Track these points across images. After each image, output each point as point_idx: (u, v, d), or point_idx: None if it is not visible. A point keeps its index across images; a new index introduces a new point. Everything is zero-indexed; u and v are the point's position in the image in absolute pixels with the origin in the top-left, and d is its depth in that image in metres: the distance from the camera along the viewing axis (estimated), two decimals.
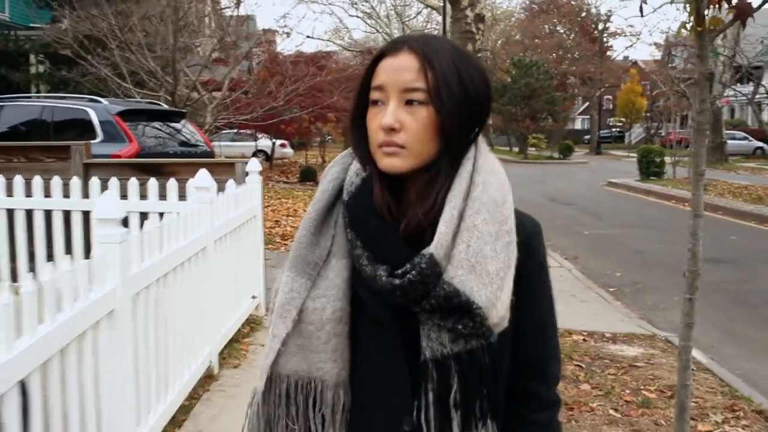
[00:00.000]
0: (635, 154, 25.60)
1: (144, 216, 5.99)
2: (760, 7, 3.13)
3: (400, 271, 1.18)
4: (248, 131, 25.55)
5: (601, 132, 53.37)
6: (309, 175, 20.55)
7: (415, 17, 42.15)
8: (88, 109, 8.49)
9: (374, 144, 1.24)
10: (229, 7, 18.33)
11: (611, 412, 4.32)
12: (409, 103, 1.22)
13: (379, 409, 1.29)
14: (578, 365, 5.20)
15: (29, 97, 10.78)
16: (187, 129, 9.58)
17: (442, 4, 18.30)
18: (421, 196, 1.24)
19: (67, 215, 6.41)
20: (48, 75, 20.60)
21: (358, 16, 41.00)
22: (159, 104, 10.57)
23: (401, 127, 1.21)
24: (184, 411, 4.00)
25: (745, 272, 9.38)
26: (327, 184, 1.33)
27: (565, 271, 8.99)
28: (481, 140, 1.30)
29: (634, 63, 57.22)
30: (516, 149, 43.61)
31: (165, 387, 3.65)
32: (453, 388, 1.21)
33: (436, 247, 1.17)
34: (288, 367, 1.29)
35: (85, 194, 6.42)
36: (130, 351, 3.08)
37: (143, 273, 3.23)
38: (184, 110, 11.03)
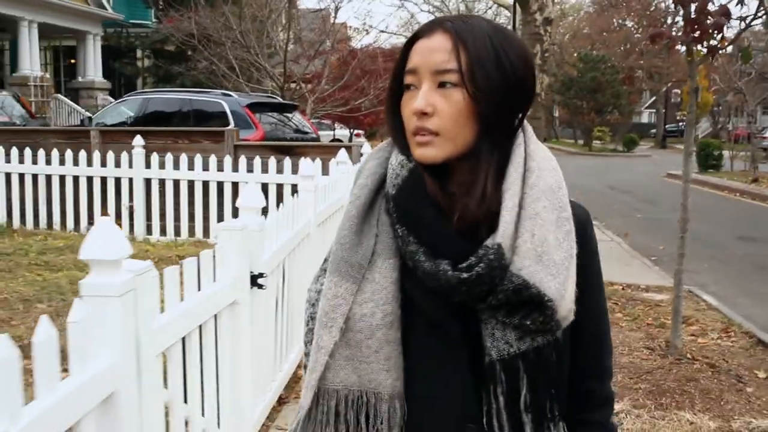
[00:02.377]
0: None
1: (279, 187, 7.88)
2: (732, 42, 4.71)
3: (465, 265, 1.10)
4: (327, 121, 27.48)
5: (668, 126, 53.77)
6: None
7: (484, 12, 43.44)
8: (222, 102, 10.45)
9: (409, 132, 1.17)
10: (319, 10, 20.13)
11: (634, 327, 5.96)
12: (442, 85, 1.14)
13: (440, 418, 1.20)
14: (615, 303, 6.83)
15: (171, 91, 12.79)
16: (297, 118, 11.48)
17: (512, 2, 19.74)
18: (466, 186, 1.16)
19: (219, 185, 8.33)
20: (154, 68, 22.81)
21: (429, 11, 42.15)
22: (276, 97, 12.54)
23: (434, 112, 1.13)
24: None
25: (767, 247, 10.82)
26: (365, 179, 1.23)
27: (615, 244, 10.55)
28: (528, 127, 1.22)
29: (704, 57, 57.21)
30: (581, 142, 44.65)
31: (291, 343, 4.46)
32: (522, 389, 1.14)
33: (503, 237, 1.09)
34: (336, 381, 1.18)
35: (235, 168, 8.33)
36: (273, 306, 3.82)
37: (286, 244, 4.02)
38: (295, 103, 12.97)
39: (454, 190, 1.17)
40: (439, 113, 1.13)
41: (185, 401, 2.62)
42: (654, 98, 58.00)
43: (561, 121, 52.75)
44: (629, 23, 52.79)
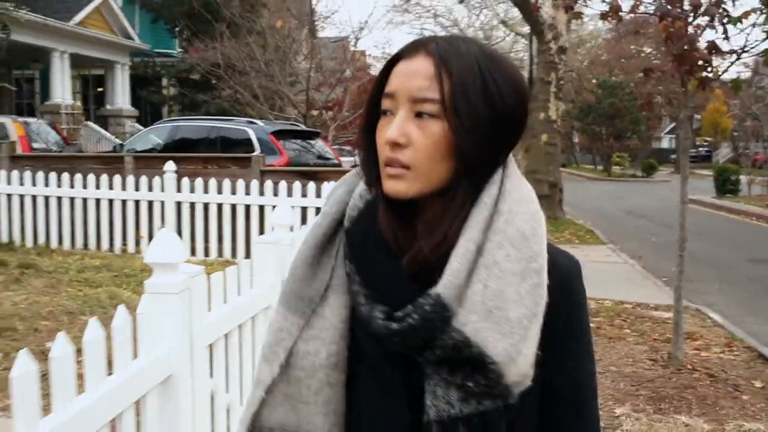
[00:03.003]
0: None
1: (304, 210, 8.29)
2: (722, 74, 5.07)
3: (400, 314, 0.99)
4: (347, 148, 28.03)
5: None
6: None
7: (502, 40, 44.01)
8: (248, 129, 10.93)
9: (381, 162, 1.05)
10: (340, 39, 20.70)
11: (640, 341, 6.28)
12: (420, 115, 1.02)
13: None
14: (624, 320, 7.14)
15: (198, 119, 13.31)
16: (320, 144, 11.93)
17: (528, 32, 20.21)
18: (431, 226, 1.04)
19: (247, 208, 8.76)
20: (180, 96, 23.48)
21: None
22: (299, 125, 13.02)
23: (408, 143, 1.01)
24: None
25: None
26: (330, 207, 1.13)
27: (629, 266, 10.85)
28: (511, 161, 1.10)
29: (723, 83, 57.41)
30: (600, 167, 44.86)
31: None
32: None
33: (445, 287, 0.97)
34: (272, 419, 1.09)
35: (261, 193, 8.76)
36: None
37: None
38: (318, 130, 13.45)
39: (419, 228, 1.05)
40: (414, 145, 1.02)
41: (227, 391, 3.00)
42: (673, 124, 58.17)
43: (581, 147, 53.00)
44: (647, 49, 53.18)
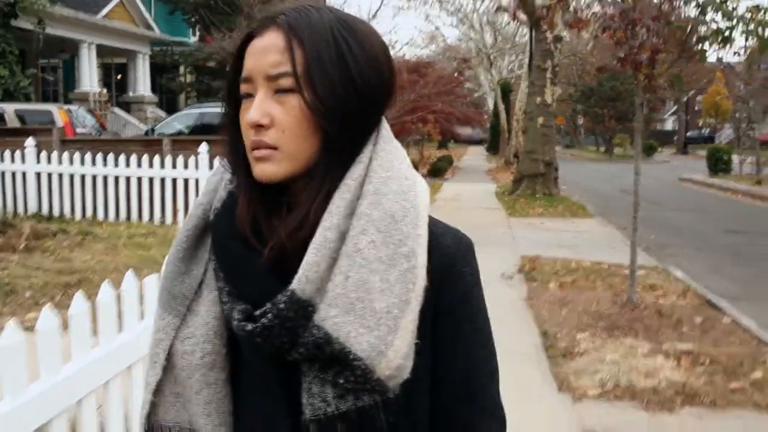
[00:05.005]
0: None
1: None
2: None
3: (258, 313, 0.94)
4: None
5: (690, 133, 54.85)
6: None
7: (507, 25, 44.89)
8: None
9: (247, 147, 1.00)
10: None
11: (607, 289, 7.48)
12: (278, 92, 0.97)
13: None
14: (598, 275, 8.33)
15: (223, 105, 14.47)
16: None
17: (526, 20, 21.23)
18: (292, 211, 0.99)
19: None
20: (197, 83, 24.69)
21: (452, 25, 43.69)
22: None
23: (271, 123, 0.96)
24: None
25: (750, 239, 12.24)
26: (202, 197, 1.07)
27: (613, 236, 12.01)
28: (384, 136, 1.03)
29: (727, 65, 58.24)
30: (603, 149, 45.97)
31: None
32: None
33: (300, 281, 0.92)
34: (168, 417, 1.07)
35: None
36: None
37: None
38: None
39: (283, 215, 1.00)
40: (278, 124, 0.97)
41: None
42: (676, 107, 59.09)
43: (585, 129, 54.09)
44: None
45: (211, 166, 10.10)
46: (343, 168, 0.98)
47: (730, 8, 5.76)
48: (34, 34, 17.41)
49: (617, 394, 4.60)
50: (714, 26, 5.40)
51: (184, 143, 10.89)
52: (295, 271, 0.93)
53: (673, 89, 51.26)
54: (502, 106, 37.56)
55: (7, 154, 10.66)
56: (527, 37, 24.16)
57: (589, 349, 5.46)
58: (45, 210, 10.56)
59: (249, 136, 0.98)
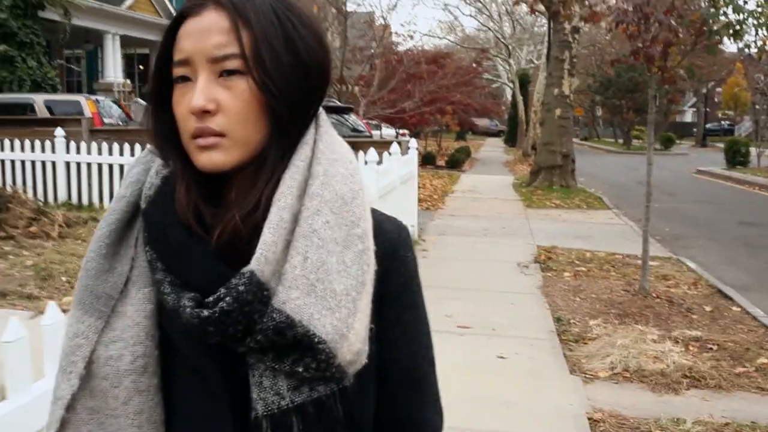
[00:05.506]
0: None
1: None
2: None
3: (211, 299, 0.88)
4: (375, 122, 29.47)
5: (710, 125, 54.62)
6: (429, 159, 24.16)
7: (526, 14, 44.86)
8: None
9: (186, 135, 0.94)
10: (370, 13, 21.99)
11: (620, 279, 7.70)
12: (224, 74, 0.92)
13: None
14: (612, 266, 8.54)
15: None
16: (353, 118, 13.40)
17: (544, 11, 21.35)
18: (242, 196, 0.94)
19: None
20: None
21: (470, 15, 43.74)
22: (333, 101, 14.50)
23: (217, 108, 0.91)
24: None
25: (764, 230, 12.40)
26: (125, 189, 0.99)
27: (628, 227, 12.20)
28: (324, 119, 1.02)
29: (747, 56, 57.91)
30: (621, 141, 45.92)
31: None
32: None
33: (258, 262, 0.88)
34: None
35: None
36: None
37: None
38: (351, 105, 14.93)
39: (233, 198, 0.95)
40: (225, 110, 0.91)
41: None
42: (695, 99, 58.81)
43: (603, 120, 53.98)
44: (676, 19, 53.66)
45: None
46: (291, 150, 0.95)
47: (740, 2, 5.94)
48: (60, 25, 17.75)
49: (626, 376, 4.85)
50: (724, 20, 5.57)
51: None
52: (242, 257, 0.89)
53: (691, 80, 51.14)
54: (520, 98, 37.64)
55: (37, 144, 11.00)
56: (545, 28, 24.30)
57: (600, 334, 5.69)
58: (75, 199, 10.90)
59: (189, 123, 0.93)
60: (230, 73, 0.91)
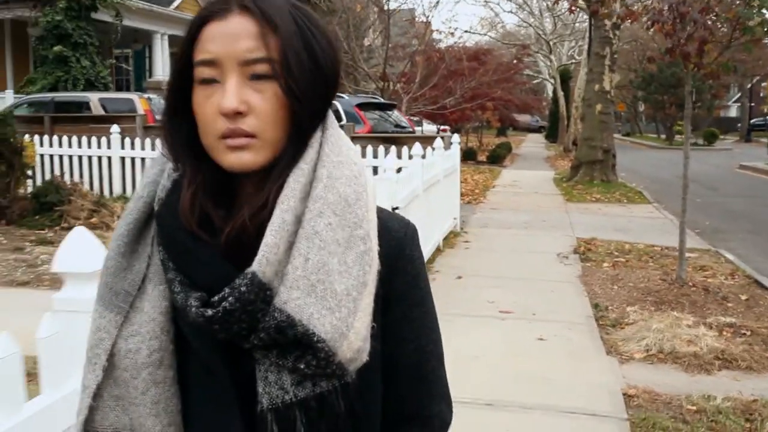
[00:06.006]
0: None
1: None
2: None
3: (216, 298, 0.93)
4: (416, 118, 29.76)
5: (755, 120, 53.77)
6: (470, 155, 24.38)
7: (564, 11, 44.64)
8: (336, 102, 12.76)
9: (211, 136, 0.96)
10: (412, 11, 22.24)
11: (658, 269, 7.89)
12: (254, 78, 0.95)
13: None
14: (650, 257, 8.73)
15: None
16: (396, 115, 13.73)
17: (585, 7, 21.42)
18: (253, 195, 0.98)
19: None
20: None
21: (511, 11, 43.67)
22: (378, 98, 14.86)
23: (249, 110, 0.95)
24: (429, 260, 7.95)
25: None
26: (142, 189, 1.03)
27: (668, 221, 12.32)
28: (332, 121, 1.04)
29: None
30: (663, 136, 45.53)
31: (432, 233, 7.58)
32: None
33: (260, 263, 0.92)
34: (106, 423, 1.03)
35: None
36: (425, 206, 7.00)
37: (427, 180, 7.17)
38: (394, 102, 15.27)
39: (244, 199, 0.99)
40: (256, 112, 0.95)
41: None
42: (739, 94, 57.95)
43: (646, 116, 53.53)
44: (712, 17, 52.96)
45: None
46: (302, 152, 0.98)
47: None
48: (112, 26, 18.40)
49: (660, 357, 5.09)
50: (758, 18, 5.75)
51: None
52: (247, 259, 0.93)
53: (735, 75, 50.45)
54: (561, 94, 37.55)
55: (93, 140, 11.53)
56: (586, 24, 24.31)
57: (636, 320, 5.92)
58: (129, 193, 11.41)
59: (217, 124, 0.95)
60: (259, 77, 0.95)
